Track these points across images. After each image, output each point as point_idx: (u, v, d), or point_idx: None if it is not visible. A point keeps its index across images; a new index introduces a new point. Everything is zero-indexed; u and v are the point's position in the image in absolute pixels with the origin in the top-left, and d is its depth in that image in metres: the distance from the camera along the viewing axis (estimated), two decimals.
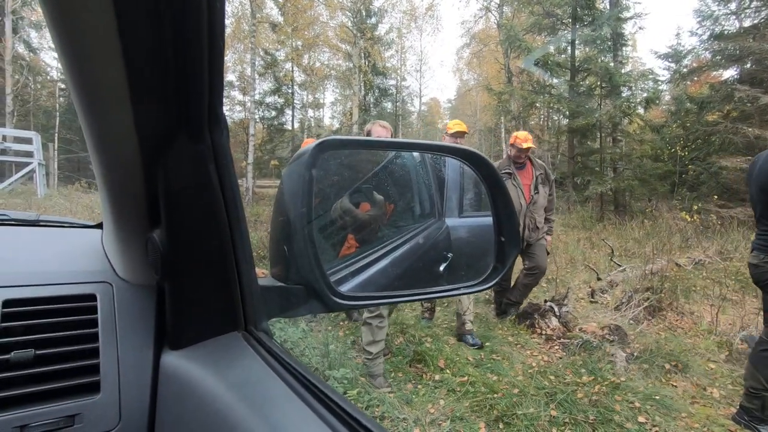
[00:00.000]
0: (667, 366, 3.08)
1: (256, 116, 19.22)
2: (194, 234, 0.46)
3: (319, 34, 17.24)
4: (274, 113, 21.76)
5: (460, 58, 24.90)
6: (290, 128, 23.19)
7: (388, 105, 22.78)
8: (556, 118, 16.91)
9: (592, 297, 4.69)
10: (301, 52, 18.21)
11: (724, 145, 9.60)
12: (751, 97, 8.60)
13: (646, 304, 4.03)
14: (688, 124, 10.82)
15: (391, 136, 3.01)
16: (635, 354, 3.26)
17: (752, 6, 10.51)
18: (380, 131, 2.91)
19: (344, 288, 0.57)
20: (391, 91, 22.11)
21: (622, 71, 11.61)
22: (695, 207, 8.71)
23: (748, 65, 10.07)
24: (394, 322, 3.71)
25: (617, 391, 2.76)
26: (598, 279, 5.09)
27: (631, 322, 3.89)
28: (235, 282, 0.50)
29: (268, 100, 21.26)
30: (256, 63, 17.01)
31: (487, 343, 3.58)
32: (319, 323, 3.96)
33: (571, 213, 10.49)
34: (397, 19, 20.99)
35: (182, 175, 0.44)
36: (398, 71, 22.91)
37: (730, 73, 11.19)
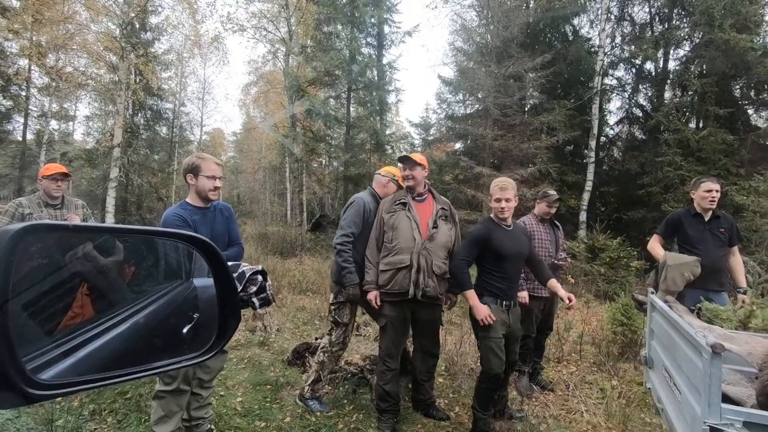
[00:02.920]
0: None
1: None
2: None
3: (75, 34, 14.39)
4: None
5: (247, 94, 24.80)
6: (20, 139, 18.15)
7: (164, 129, 20.55)
8: (336, 164, 18.44)
9: (358, 330, 5.20)
10: (44, 51, 14.74)
11: (455, 201, 12.40)
12: (469, 166, 11.47)
13: None
14: (431, 181, 13.56)
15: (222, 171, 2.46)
16: None
17: (470, 99, 14.24)
18: (214, 169, 2.36)
19: (53, 371, 0.53)
20: (167, 115, 20.06)
21: (387, 132, 13.82)
22: None
23: (468, 142, 13.44)
24: None
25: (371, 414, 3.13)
26: (363, 313, 5.69)
27: None
28: None
29: None
30: None
31: (257, 387, 3.53)
32: None
33: None
34: (178, 42, 19.48)
35: None
36: (177, 96, 21.09)
37: (458, 146, 14.70)
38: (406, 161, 3.10)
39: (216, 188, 2.37)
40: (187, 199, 2.42)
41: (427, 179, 3.25)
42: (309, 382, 3.24)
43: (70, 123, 24.17)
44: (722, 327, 2.37)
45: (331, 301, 3.32)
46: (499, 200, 2.87)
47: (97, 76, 16.45)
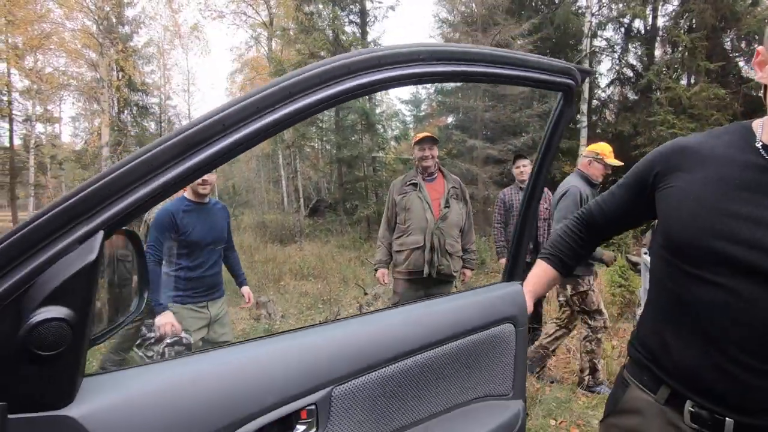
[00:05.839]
0: None
1: None
2: None
3: (51, 33, 14.04)
4: None
5: (233, 82, 24.39)
6: (7, 145, 17.93)
7: (152, 125, 20.27)
8: (328, 147, 18.34)
9: (360, 311, 5.28)
10: (21, 52, 14.40)
11: None
12: (461, 139, 11.40)
13: None
14: None
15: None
16: None
17: None
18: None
19: None
20: (153, 110, 19.76)
21: (377, 111, 13.65)
22: None
23: (460, 115, 13.31)
24: None
25: None
26: (365, 294, 5.76)
27: None
28: None
29: None
30: None
31: None
32: None
33: (343, 235, 11.54)
34: (157, 33, 19.04)
35: None
36: (162, 89, 20.73)
37: (450, 120, 14.56)
38: (425, 142, 3.07)
39: (204, 182, 2.39)
40: (186, 194, 2.44)
41: None
42: (587, 374, 3.20)
43: (56, 125, 23.84)
44: None
45: (570, 294, 3.22)
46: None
47: (78, 75, 16.16)
